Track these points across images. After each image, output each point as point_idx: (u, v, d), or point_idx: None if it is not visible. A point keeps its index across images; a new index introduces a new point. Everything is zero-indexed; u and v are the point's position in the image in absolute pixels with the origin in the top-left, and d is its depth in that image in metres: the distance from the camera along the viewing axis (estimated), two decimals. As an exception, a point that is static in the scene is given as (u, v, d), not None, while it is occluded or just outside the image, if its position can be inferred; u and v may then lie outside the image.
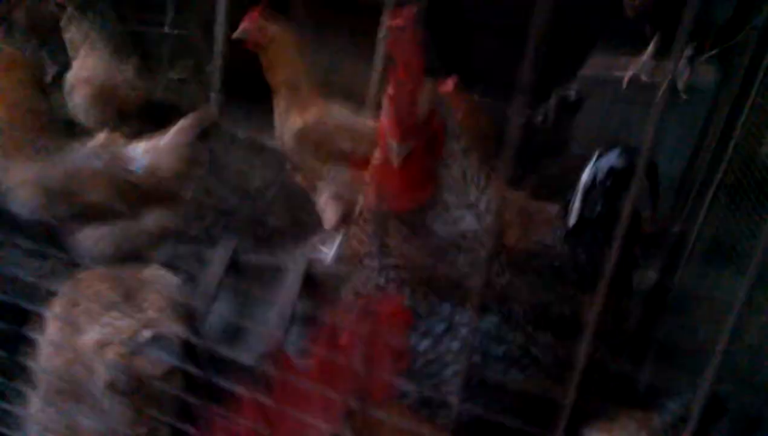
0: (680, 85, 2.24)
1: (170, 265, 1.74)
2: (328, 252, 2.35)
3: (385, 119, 1.13)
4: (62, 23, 2.78)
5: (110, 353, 1.21)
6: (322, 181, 2.26)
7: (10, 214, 1.91)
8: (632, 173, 1.41)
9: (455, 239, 1.23)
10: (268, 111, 2.25)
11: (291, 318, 1.99)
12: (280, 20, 2.13)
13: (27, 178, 1.87)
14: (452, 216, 1.23)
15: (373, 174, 1.27)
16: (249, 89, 2.31)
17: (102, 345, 1.21)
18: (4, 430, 1.25)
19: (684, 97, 2.20)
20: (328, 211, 2.25)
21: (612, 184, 1.43)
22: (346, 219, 2.17)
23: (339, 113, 2.21)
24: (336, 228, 2.27)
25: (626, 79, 2.34)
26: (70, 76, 2.73)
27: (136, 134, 2.08)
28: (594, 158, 1.45)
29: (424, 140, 1.14)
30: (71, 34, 2.81)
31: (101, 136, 2.02)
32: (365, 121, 2.23)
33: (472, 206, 1.23)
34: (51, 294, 1.36)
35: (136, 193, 1.92)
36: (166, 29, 3.24)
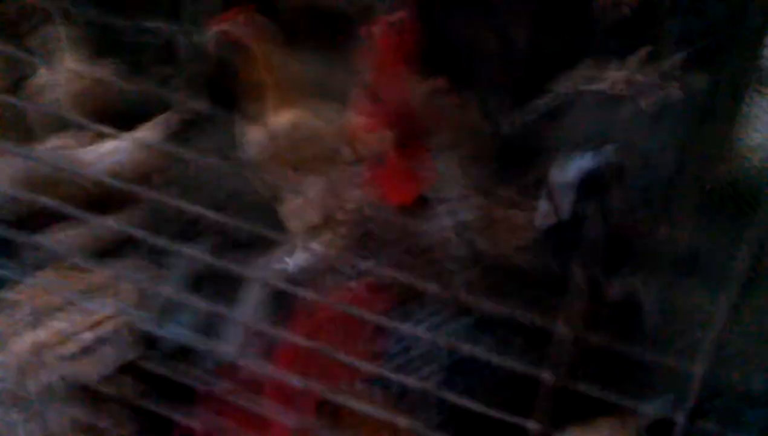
0: (661, 93, 2.21)
1: (130, 270, 1.69)
2: (296, 262, 2.29)
3: (366, 111, 1.10)
4: (40, 23, 2.74)
5: (49, 357, 1.16)
6: (295, 188, 2.21)
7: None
8: (602, 175, 1.40)
9: (438, 237, 1.20)
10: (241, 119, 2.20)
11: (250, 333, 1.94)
12: (258, 20, 2.09)
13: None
14: (436, 212, 1.19)
15: (356, 172, 1.23)
16: (224, 98, 2.27)
17: (41, 348, 1.16)
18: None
19: (664, 105, 2.17)
20: (300, 218, 2.20)
21: (582, 186, 1.39)
22: (318, 226, 2.11)
23: (317, 117, 2.16)
24: (307, 236, 2.21)
25: (608, 88, 2.31)
26: (46, 77, 2.69)
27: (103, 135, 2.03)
28: (564, 160, 1.41)
29: (405, 132, 1.10)
30: (49, 34, 2.78)
31: (64, 137, 1.98)
32: (344, 125, 2.18)
33: (456, 202, 1.20)
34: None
35: (96, 197, 1.87)
36: (148, 33, 3.19)
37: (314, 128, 2.13)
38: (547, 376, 0.70)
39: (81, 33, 2.72)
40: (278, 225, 2.27)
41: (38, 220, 1.82)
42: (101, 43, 2.82)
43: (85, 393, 1.15)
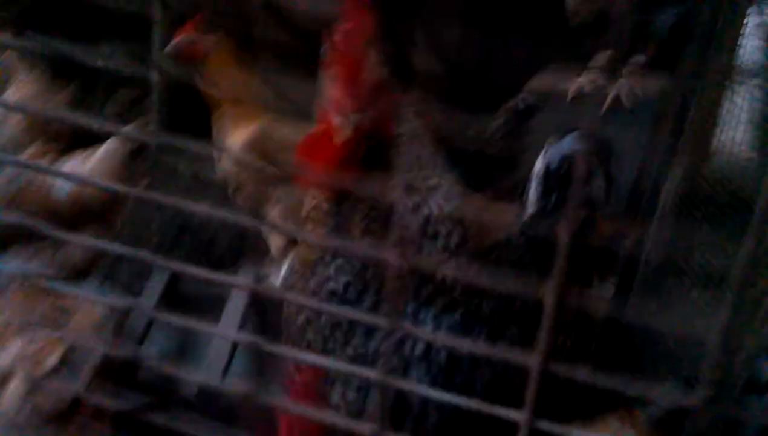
0: (623, 94, 2.26)
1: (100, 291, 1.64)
2: (275, 279, 2.24)
3: (331, 91, 1.07)
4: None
5: (12, 384, 1.09)
6: (268, 203, 2.16)
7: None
8: (587, 159, 1.40)
9: (420, 226, 1.16)
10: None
11: (234, 348, 1.88)
12: (218, 31, 2.06)
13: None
14: (414, 201, 1.16)
15: (322, 158, 1.18)
16: (191, 122, 2.22)
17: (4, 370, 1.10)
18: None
19: (628, 106, 2.22)
20: (275, 233, 2.15)
21: (567, 172, 1.39)
22: (294, 241, 2.07)
23: (287, 128, 2.13)
24: (284, 251, 2.16)
25: (572, 90, 2.36)
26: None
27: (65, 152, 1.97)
28: (546, 145, 1.41)
29: (374, 113, 1.07)
30: (6, 59, 2.70)
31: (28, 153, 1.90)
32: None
33: (434, 190, 1.17)
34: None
35: (62, 215, 1.80)
36: (104, 59, 3.13)
37: (282, 138, 2.10)
38: (534, 362, 0.67)
39: (38, 57, 2.65)
40: (256, 241, 2.22)
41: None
42: (59, 67, 2.76)
43: (52, 416, 1.08)
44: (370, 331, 1.21)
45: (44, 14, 2.79)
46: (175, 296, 2.13)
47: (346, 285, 1.21)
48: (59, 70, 2.74)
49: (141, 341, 1.93)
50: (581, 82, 2.35)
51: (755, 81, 1.93)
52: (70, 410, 1.14)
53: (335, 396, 1.24)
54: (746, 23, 1.95)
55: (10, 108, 2.44)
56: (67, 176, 1.87)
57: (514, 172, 2.20)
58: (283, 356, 1.37)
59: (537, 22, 2.35)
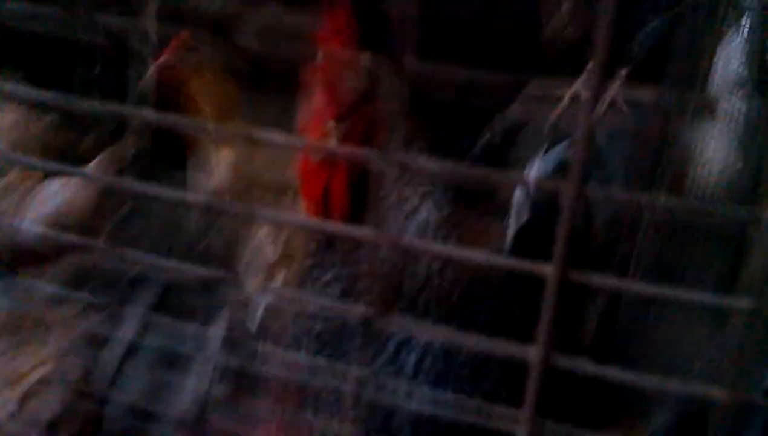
0: (620, 98, 2.24)
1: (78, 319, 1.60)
2: (262, 301, 2.19)
3: (317, 98, 1.04)
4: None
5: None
6: (257, 221, 2.13)
7: None
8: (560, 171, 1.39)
9: (414, 233, 1.14)
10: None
11: (213, 377, 1.82)
12: (204, 49, 2.04)
13: None
14: (407, 207, 1.13)
15: (309, 172, 1.16)
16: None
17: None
18: None
19: (625, 111, 2.19)
20: (266, 249, 2.11)
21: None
22: (285, 257, 2.03)
23: (270, 151, 2.11)
24: (275, 268, 2.12)
25: (568, 97, 2.33)
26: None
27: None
28: (539, 154, 1.39)
29: (363, 120, 1.05)
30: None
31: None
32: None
33: (427, 197, 1.15)
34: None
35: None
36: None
37: (265, 162, 2.08)
38: (533, 355, 0.62)
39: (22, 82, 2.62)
40: (237, 266, 2.18)
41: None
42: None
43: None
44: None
45: (19, 49, 2.75)
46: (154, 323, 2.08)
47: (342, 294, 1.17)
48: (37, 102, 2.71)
49: (118, 370, 1.87)
50: (576, 88, 2.32)
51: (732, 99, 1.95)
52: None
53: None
54: (725, 41, 1.98)
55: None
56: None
57: (498, 194, 2.18)
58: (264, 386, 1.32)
59: (522, 38, 2.35)
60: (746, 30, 1.95)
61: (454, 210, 1.24)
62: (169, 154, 2.50)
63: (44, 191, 1.86)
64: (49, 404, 1.14)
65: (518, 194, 1.44)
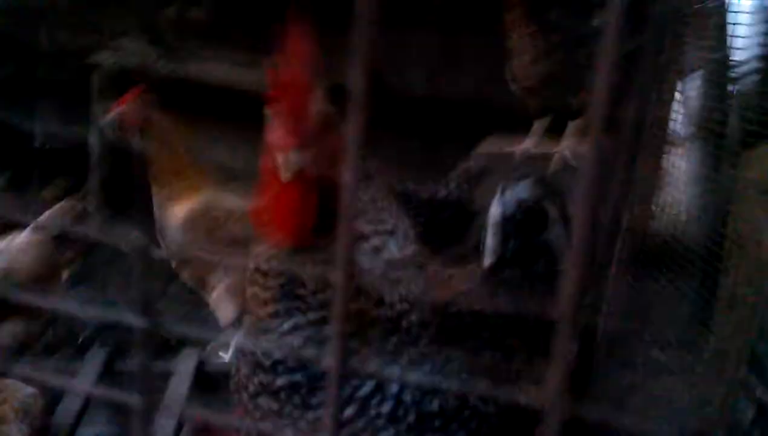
0: (569, 154, 2.29)
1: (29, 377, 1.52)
2: (227, 352, 2.10)
3: (274, 129, 1.01)
4: None
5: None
6: (214, 275, 2.06)
7: None
8: (542, 204, 1.37)
9: (381, 271, 1.09)
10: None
11: (179, 424, 1.73)
12: (156, 102, 2.02)
13: None
14: (372, 245, 1.09)
15: (268, 206, 1.11)
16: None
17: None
18: None
19: (573, 165, 2.24)
20: (224, 305, 2.03)
21: (522, 218, 1.35)
22: (244, 312, 1.95)
23: (230, 197, 2.06)
24: (234, 323, 2.04)
25: (519, 152, 2.38)
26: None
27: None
28: (500, 192, 1.37)
29: (320, 151, 1.01)
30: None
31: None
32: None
33: (391, 233, 1.10)
34: None
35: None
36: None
37: (227, 209, 2.03)
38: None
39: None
40: (204, 315, 2.10)
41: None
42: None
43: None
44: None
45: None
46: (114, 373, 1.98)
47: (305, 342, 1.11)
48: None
49: (77, 421, 1.77)
50: (527, 145, 2.38)
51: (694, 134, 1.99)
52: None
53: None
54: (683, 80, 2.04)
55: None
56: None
57: (468, 235, 2.16)
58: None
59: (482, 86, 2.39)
60: (696, 85, 2.01)
61: (420, 248, 1.20)
62: (123, 207, 2.44)
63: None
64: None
65: (494, 213, 1.41)
